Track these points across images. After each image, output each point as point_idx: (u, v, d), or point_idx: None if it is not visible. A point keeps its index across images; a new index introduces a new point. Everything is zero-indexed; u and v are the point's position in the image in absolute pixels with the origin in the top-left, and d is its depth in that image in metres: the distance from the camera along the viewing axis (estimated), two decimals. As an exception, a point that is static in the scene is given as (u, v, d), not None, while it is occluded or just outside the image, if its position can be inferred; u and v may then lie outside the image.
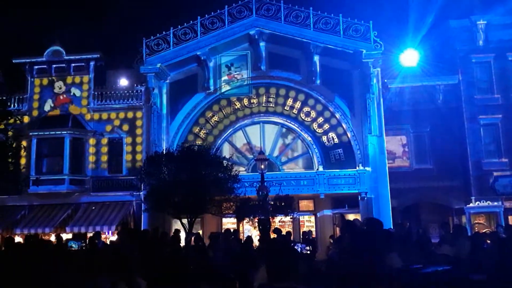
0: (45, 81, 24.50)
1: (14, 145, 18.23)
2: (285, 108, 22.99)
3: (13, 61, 24.49)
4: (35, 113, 24.20)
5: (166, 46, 23.17)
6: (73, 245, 15.70)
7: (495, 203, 21.56)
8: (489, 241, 10.64)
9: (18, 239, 20.23)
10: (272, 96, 23.15)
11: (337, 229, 21.18)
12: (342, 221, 14.79)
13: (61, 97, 24.33)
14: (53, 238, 18.38)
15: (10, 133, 18.68)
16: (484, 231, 17.90)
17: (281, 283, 4.01)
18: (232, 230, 14.50)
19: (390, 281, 5.20)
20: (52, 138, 23.37)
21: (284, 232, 15.01)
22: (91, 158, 23.70)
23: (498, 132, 22.79)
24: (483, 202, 21.62)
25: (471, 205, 21.77)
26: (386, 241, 5.63)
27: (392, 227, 14.57)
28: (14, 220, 22.35)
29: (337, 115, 22.53)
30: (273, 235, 13.80)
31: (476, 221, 21.53)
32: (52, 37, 24.81)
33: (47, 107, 24.26)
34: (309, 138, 22.66)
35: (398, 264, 5.77)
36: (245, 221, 20.34)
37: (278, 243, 7.82)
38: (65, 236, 20.06)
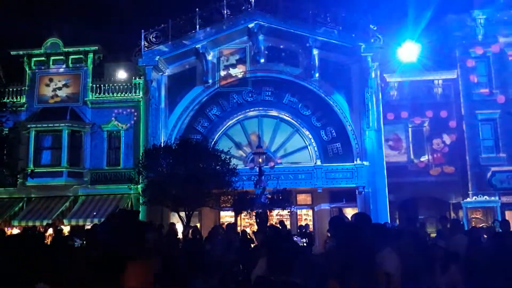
0: (43, 73, 24.44)
1: (11, 137, 18.20)
2: (283, 101, 22.96)
3: (11, 52, 24.40)
4: (33, 105, 24.14)
5: (165, 39, 23.10)
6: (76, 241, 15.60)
7: (492, 198, 21.64)
8: (485, 236, 10.67)
9: (16, 231, 20.28)
10: (270, 89, 23.11)
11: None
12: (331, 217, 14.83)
13: (60, 89, 24.28)
14: (50, 231, 18.35)
15: (6, 129, 18.66)
16: (480, 226, 17.96)
17: (278, 276, 4.03)
18: (229, 223, 14.55)
19: (386, 275, 5.21)
20: (50, 131, 23.36)
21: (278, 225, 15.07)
22: (89, 151, 23.69)
23: (496, 127, 22.81)
24: (480, 197, 21.68)
25: (468, 199, 21.83)
26: (376, 236, 5.62)
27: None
28: (12, 212, 22.37)
29: (336, 109, 22.51)
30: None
31: (473, 216, 21.59)
32: (50, 29, 24.73)
33: (45, 99, 24.21)
34: (307, 132, 22.66)
35: (394, 259, 5.78)
36: (243, 215, 20.39)
37: (280, 235, 7.84)
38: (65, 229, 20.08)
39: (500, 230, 10.77)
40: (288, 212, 22.25)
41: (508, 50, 23.03)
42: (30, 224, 20.97)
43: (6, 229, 21.07)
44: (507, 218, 19.03)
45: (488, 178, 22.12)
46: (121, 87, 24.05)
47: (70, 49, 24.33)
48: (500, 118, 22.73)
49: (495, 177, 22.08)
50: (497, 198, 21.66)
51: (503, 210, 21.33)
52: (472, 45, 23.19)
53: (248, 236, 13.34)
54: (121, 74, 25.22)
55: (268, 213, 17.74)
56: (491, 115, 22.77)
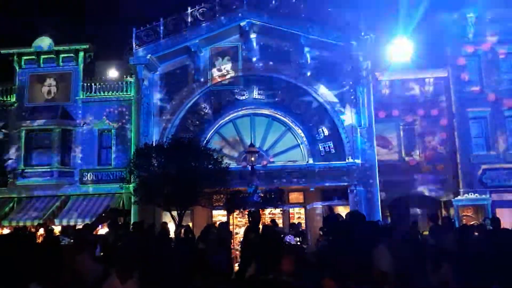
0: (33, 72, 24.28)
1: (2, 137, 18.07)
2: (275, 100, 22.93)
3: (1, 51, 24.21)
4: (23, 104, 23.97)
5: (156, 37, 22.99)
6: (64, 240, 15.60)
7: (483, 196, 21.76)
8: (476, 233, 10.74)
9: (6, 231, 20.13)
10: (262, 88, 23.09)
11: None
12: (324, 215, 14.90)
13: (51, 88, 24.12)
14: (41, 231, 18.24)
15: None
16: (471, 223, 18.06)
17: (266, 275, 4.04)
18: (221, 222, 14.53)
19: (381, 273, 5.22)
20: (41, 130, 23.21)
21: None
22: (80, 150, 23.56)
23: (486, 125, 22.95)
24: (471, 194, 21.81)
25: (459, 197, 21.96)
26: (370, 233, 5.66)
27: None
28: (2, 213, 22.19)
29: (328, 108, 22.53)
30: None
31: (464, 214, 21.73)
32: (40, 27, 24.56)
33: (35, 98, 24.04)
34: (299, 131, 22.66)
35: (387, 257, 5.80)
36: (235, 214, 20.37)
37: (267, 238, 7.84)
38: (56, 228, 19.96)
39: (491, 228, 10.86)
40: (281, 210, 22.26)
41: (499, 49, 23.17)
42: (21, 224, 20.84)
43: (-4, 229, 20.96)
44: (498, 215, 19.11)
45: (479, 176, 22.26)
46: (113, 85, 23.95)
47: (61, 48, 24.18)
48: (491, 116, 22.86)
49: (486, 175, 22.24)
50: (488, 195, 21.79)
51: (494, 207, 21.43)
52: (463, 44, 23.28)
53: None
54: (112, 73, 25.09)
55: (261, 212, 17.74)
56: (481, 113, 22.89)
